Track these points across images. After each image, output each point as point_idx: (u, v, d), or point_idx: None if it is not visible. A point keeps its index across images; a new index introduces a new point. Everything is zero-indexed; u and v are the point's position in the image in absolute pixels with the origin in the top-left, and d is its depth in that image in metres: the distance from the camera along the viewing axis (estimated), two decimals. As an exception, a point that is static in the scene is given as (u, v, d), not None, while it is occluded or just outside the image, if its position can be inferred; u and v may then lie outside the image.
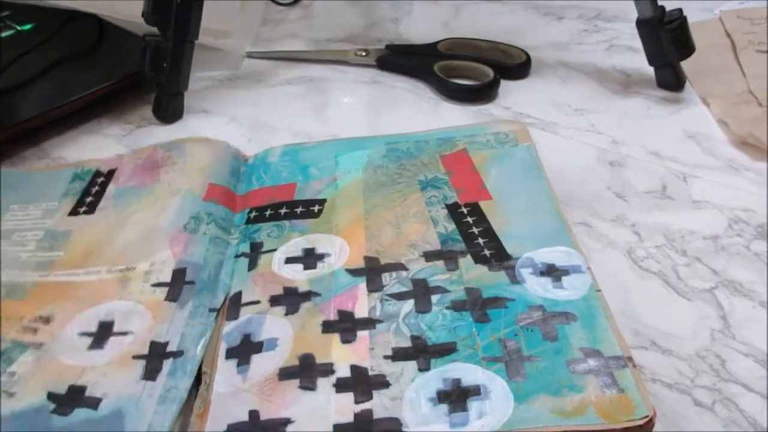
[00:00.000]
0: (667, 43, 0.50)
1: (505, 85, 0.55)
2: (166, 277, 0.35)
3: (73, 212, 0.41)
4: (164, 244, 0.37)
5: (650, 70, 0.54)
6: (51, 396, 0.29)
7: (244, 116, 0.54)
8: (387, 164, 0.42)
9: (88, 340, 0.32)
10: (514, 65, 0.56)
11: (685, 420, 0.31)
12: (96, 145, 0.51)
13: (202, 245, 0.37)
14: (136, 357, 0.31)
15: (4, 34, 0.58)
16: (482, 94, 0.54)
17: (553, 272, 0.33)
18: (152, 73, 0.50)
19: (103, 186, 0.42)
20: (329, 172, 0.42)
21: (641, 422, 0.26)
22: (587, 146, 0.48)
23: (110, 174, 0.43)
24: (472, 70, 0.56)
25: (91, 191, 0.42)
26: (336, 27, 0.66)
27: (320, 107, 0.54)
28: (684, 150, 0.47)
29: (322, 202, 0.39)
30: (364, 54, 0.59)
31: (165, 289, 0.34)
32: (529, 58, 0.56)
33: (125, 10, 0.50)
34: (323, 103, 0.55)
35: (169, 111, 0.53)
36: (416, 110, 0.53)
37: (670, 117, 0.51)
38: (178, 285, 0.34)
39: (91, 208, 0.41)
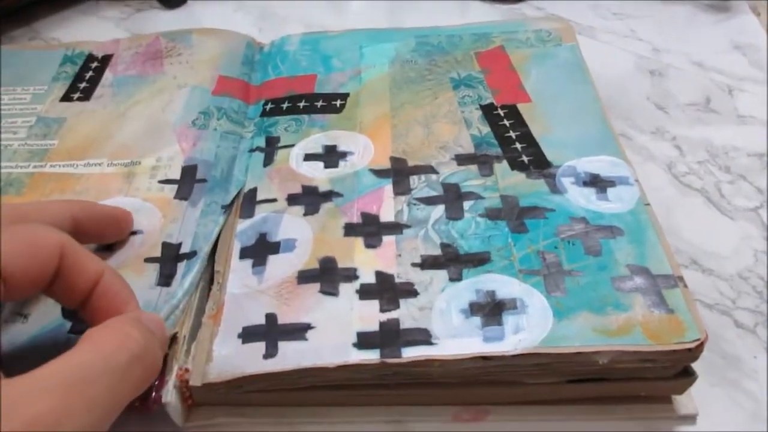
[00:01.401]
0: None
1: None
2: (175, 174, 0.32)
3: (66, 98, 0.37)
4: (172, 139, 0.34)
5: None
6: (65, 313, 0.26)
7: (253, 5, 0.49)
8: (416, 59, 0.38)
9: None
10: None
11: (726, 341, 0.29)
12: (92, 28, 0.47)
13: (213, 141, 0.34)
14: (149, 260, 0.28)
15: None
16: None
17: (597, 183, 0.30)
18: None
19: (98, 72, 0.39)
20: (353, 64, 0.38)
21: (691, 345, 0.24)
22: (626, 53, 0.44)
23: (105, 60, 0.39)
24: None
25: (85, 76, 0.39)
26: None
27: (336, 1, 0.50)
28: (730, 61, 0.44)
29: (344, 97, 0.36)
30: None
31: (174, 187, 0.31)
32: None
33: None
34: None
35: None
36: (442, 9, 0.49)
37: (717, 26, 0.47)
38: (188, 182, 0.32)
39: (87, 95, 0.37)
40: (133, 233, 0.30)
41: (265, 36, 0.45)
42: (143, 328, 0.22)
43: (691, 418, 0.26)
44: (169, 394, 0.24)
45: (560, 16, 0.46)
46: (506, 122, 0.33)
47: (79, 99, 0.37)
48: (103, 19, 0.48)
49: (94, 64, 0.39)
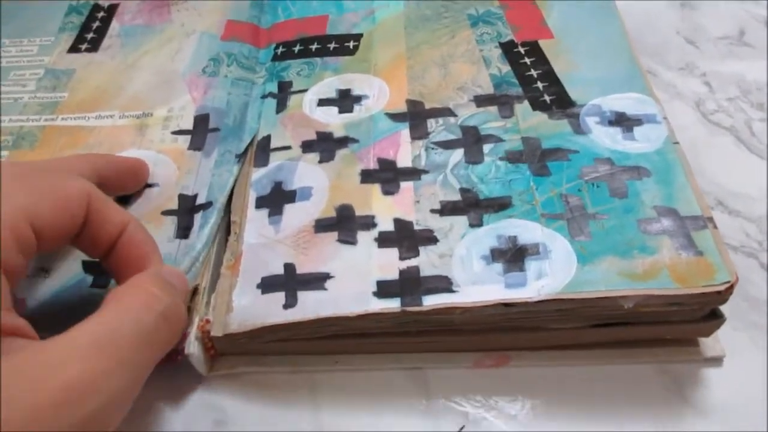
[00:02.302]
0: None
1: None
2: (188, 124, 0.31)
3: (74, 49, 0.36)
4: (183, 89, 0.33)
5: None
6: (86, 267, 0.26)
7: None
8: None
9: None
10: None
11: (751, 284, 0.28)
12: None
13: (224, 89, 0.33)
14: (166, 212, 0.28)
15: None
16: None
17: (623, 121, 0.29)
18: None
19: (105, 22, 0.38)
20: (366, 3, 0.36)
21: (721, 288, 0.23)
22: None
23: (112, 9, 0.38)
24: None
25: (92, 27, 0.37)
26: None
27: None
28: None
29: (358, 38, 0.35)
30: None
31: (187, 137, 0.31)
32: None
33: None
34: None
35: None
36: None
37: None
38: (201, 132, 0.31)
39: (94, 46, 0.36)
40: (149, 186, 0.29)
41: None
42: (166, 285, 0.22)
43: (717, 360, 0.26)
44: (192, 346, 0.24)
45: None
46: (527, 60, 0.32)
47: (87, 50, 0.36)
48: None
49: (101, 14, 0.38)
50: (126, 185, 0.28)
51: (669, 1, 0.41)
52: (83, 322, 0.19)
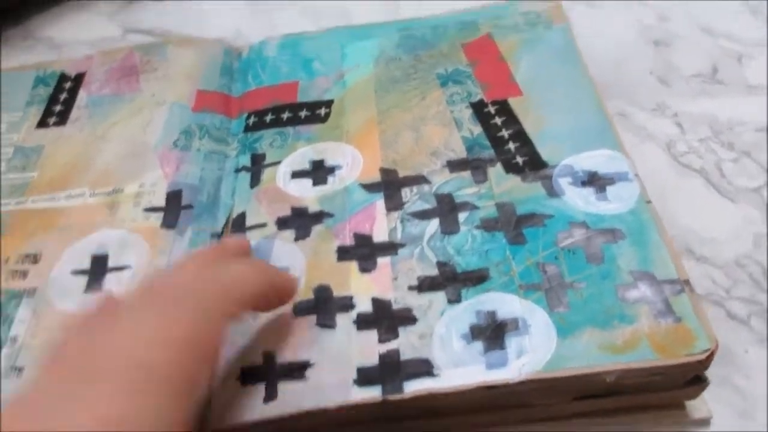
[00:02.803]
0: None
1: None
2: (160, 201, 0.31)
3: (42, 123, 0.36)
4: (154, 163, 0.33)
5: None
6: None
7: None
8: (401, 55, 0.36)
9: (84, 280, 0.29)
10: None
11: (717, 334, 0.28)
12: (85, 24, 0.47)
13: (197, 164, 0.33)
14: None
15: None
16: None
17: (596, 181, 0.29)
18: None
19: (72, 93, 0.37)
20: (335, 66, 0.36)
21: (702, 357, 0.23)
22: (630, 22, 0.42)
23: (79, 78, 0.38)
24: None
25: (59, 98, 0.37)
26: None
27: None
28: (743, 25, 0.41)
29: (329, 104, 0.35)
30: None
31: (160, 215, 0.31)
32: None
33: None
34: None
35: None
36: None
37: None
38: (174, 210, 0.31)
39: (62, 119, 0.36)
40: (121, 269, 0.29)
41: (257, 22, 0.44)
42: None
43: (705, 422, 0.26)
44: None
45: None
46: (498, 120, 0.32)
47: (56, 124, 0.36)
48: (95, 14, 0.48)
49: (68, 84, 0.38)
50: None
51: (644, 39, 0.41)
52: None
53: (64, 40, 0.46)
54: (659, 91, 0.38)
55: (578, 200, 0.28)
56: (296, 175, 0.31)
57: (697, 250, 0.31)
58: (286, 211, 0.30)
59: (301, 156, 0.32)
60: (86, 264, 0.29)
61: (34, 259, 0.30)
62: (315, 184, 0.31)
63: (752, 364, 0.27)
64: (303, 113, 0.34)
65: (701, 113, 0.37)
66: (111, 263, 0.29)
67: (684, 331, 0.24)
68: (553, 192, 0.29)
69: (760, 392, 0.26)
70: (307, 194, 0.31)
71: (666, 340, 0.23)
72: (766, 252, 0.30)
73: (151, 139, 0.34)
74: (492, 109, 0.33)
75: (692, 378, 0.24)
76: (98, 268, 0.29)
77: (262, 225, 0.30)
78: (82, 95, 0.37)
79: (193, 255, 0.26)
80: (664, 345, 0.23)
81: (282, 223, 0.29)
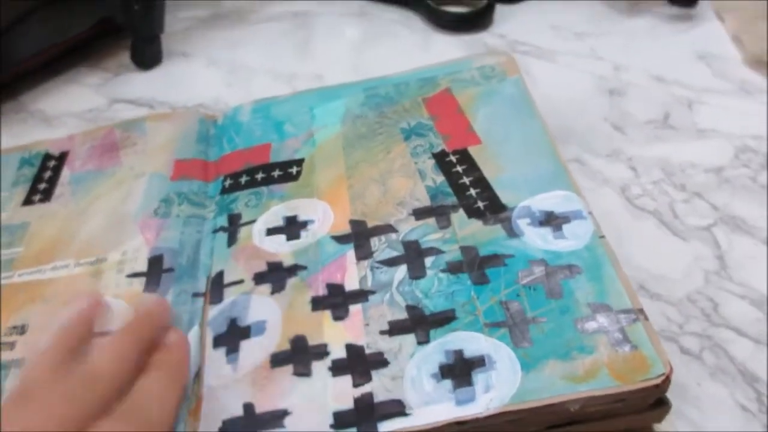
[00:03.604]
0: None
1: (501, 10, 0.51)
2: (142, 267, 0.32)
3: (27, 201, 0.38)
4: (135, 231, 0.34)
5: None
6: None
7: (224, 58, 0.51)
8: (366, 113, 0.39)
9: (69, 348, 0.30)
10: None
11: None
12: (74, 96, 0.49)
13: (177, 228, 0.34)
14: None
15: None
16: (475, 22, 0.50)
17: (552, 221, 0.31)
18: (125, 16, 0.48)
19: (56, 171, 0.39)
20: (305, 127, 0.39)
21: (658, 381, 0.24)
22: (586, 74, 0.45)
23: (62, 157, 0.40)
24: None
25: (44, 177, 0.39)
26: None
27: (303, 45, 0.51)
28: (692, 73, 0.43)
29: (300, 163, 0.37)
30: None
31: (142, 280, 0.32)
32: None
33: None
34: (306, 41, 0.52)
35: (146, 56, 0.50)
36: (405, 43, 0.50)
37: (680, 36, 0.47)
38: (155, 274, 0.32)
39: (47, 196, 0.38)
40: (106, 333, 0.30)
41: (234, 90, 0.47)
42: None
43: (672, 445, 0.27)
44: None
45: (501, 51, 0.46)
46: (459, 168, 0.34)
47: (41, 201, 0.38)
48: (83, 86, 0.50)
49: (52, 163, 0.40)
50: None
51: (599, 90, 0.43)
52: None
53: (54, 113, 0.48)
54: (614, 138, 0.40)
55: (537, 239, 0.30)
56: (271, 231, 0.33)
57: (651, 288, 0.32)
58: (262, 267, 0.31)
59: (275, 214, 0.34)
60: (72, 330, 0.30)
61: (22, 330, 0.31)
62: (289, 239, 0.32)
63: (705, 397, 0.28)
64: (276, 173, 0.36)
65: (654, 157, 0.38)
66: (96, 329, 0.30)
67: (640, 357, 0.25)
68: (512, 233, 0.30)
69: (713, 424, 0.27)
70: (281, 249, 0.32)
71: (624, 368, 0.25)
72: (715, 288, 0.32)
73: (131, 208, 0.36)
74: (453, 159, 0.35)
75: (655, 401, 0.26)
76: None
77: (240, 281, 0.31)
78: (65, 173, 0.39)
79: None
80: (622, 372, 0.25)
81: (258, 278, 0.31)
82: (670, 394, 0.26)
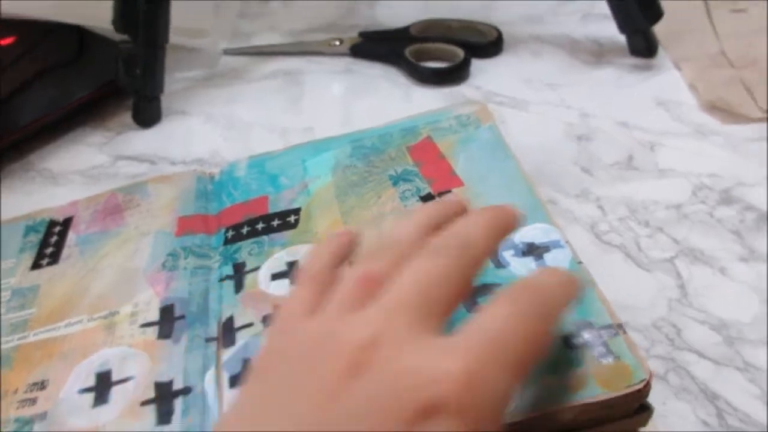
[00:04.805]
0: (634, 9, 0.50)
1: (477, 65, 0.55)
2: (154, 317, 0.34)
3: (36, 266, 0.39)
4: (145, 284, 0.36)
5: (624, 38, 0.53)
6: None
7: (221, 115, 0.54)
8: (355, 163, 0.42)
9: (91, 396, 0.31)
10: (485, 43, 0.56)
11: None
12: (79, 155, 0.52)
13: (185, 279, 0.36)
14: (145, 403, 0.30)
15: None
16: (453, 76, 0.54)
17: (534, 251, 0.34)
18: (127, 80, 0.51)
19: (62, 235, 0.41)
20: (299, 178, 0.41)
21: (640, 386, 0.27)
22: (556, 122, 0.48)
23: (67, 222, 0.42)
24: (443, 51, 0.56)
25: (50, 242, 0.41)
26: (314, 16, 0.65)
27: (295, 100, 0.55)
28: (653, 118, 0.47)
29: (297, 211, 0.39)
30: (338, 43, 0.59)
31: (155, 328, 0.34)
32: (500, 35, 0.56)
33: (105, 18, 0.51)
34: (298, 96, 0.55)
35: (147, 115, 0.53)
36: (388, 97, 0.54)
37: (641, 85, 0.50)
38: (168, 321, 0.34)
39: (54, 259, 0.39)
40: (125, 380, 0.32)
41: (230, 144, 0.50)
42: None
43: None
44: None
45: (475, 101, 0.50)
46: (445, 208, 0.37)
47: (49, 264, 0.39)
48: (88, 146, 0.53)
49: (57, 228, 0.42)
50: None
51: (568, 136, 0.47)
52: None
53: (60, 171, 0.50)
54: (583, 180, 0.43)
55: (521, 268, 0.33)
56: (275, 276, 0.35)
57: (620, 316, 0.34)
58: (270, 310, 0.34)
59: (278, 260, 0.36)
60: (91, 382, 0.32)
61: (42, 385, 0.32)
62: (293, 282, 0.35)
63: (670, 414, 0.31)
64: (275, 222, 0.39)
65: (620, 196, 0.42)
66: (114, 377, 0.32)
67: (623, 367, 0.28)
68: (499, 264, 0.33)
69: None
70: (287, 291, 0.34)
71: (610, 377, 0.27)
72: (678, 315, 0.35)
73: (140, 264, 0.38)
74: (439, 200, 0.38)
75: (639, 407, 0.28)
76: (103, 383, 0.32)
77: (250, 325, 0.33)
78: (71, 236, 0.41)
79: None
80: (608, 381, 0.27)
81: (267, 321, 0.33)
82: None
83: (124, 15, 0.48)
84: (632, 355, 0.28)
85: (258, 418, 0.21)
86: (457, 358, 0.20)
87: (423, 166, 0.40)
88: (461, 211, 0.29)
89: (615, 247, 0.38)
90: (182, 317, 0.34)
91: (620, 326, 0.29)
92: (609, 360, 0.28)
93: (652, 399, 0.29)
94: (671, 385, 0.32)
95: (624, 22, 0.51)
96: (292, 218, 0.39)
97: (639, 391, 0.27)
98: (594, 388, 0.27)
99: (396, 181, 0.40)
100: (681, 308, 0.35)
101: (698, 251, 0.38)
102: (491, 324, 0.22)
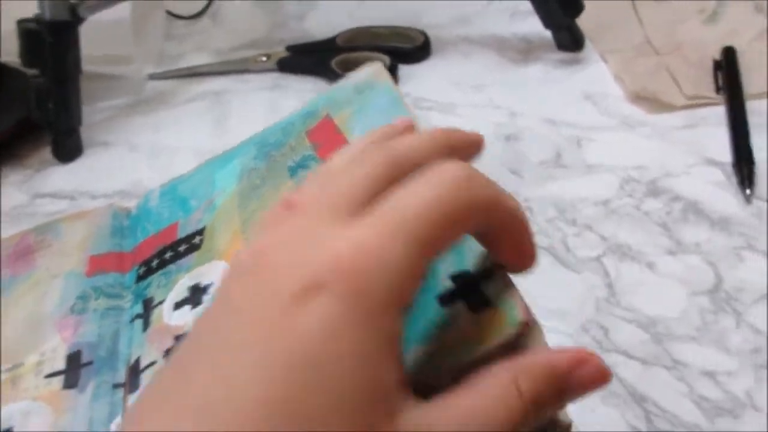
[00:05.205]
0: (554, 5, 0.48)
1: (405, 71, 0.53)
2: (60, 365, 0.33)
3: None
4: (52, 331, 0.35)
5: (551, 34, 0.52)
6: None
7: (145, 143, 0.53)
8: (258, 165, 0.38)
9: (-7, 458, 0.30)
10: (412, 49, 0.55)
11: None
12: None
13: (94, 322, 0.35)
14: None
15: None
16: None
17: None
18: (39, 114, 0.50)
19: None
20: (207, 196, 0.39)
21: (514, 331, 0.22)
22: (485, 123, 0.47)
23: None
24: (369, 60, 0.54)
25: None
26: (241, 33, 0.64)
27: (221, 122, 0.54)
28: (580, 113, 0.46)
29: (201, 231, 0.37)
30: (265, 59, 0.58)
31: (61, 378, 0.32)
32: (427, 39, 0.55)
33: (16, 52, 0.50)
34: (224, 117, 0.54)
35: (66, 150, 0.52)
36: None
37: (569, 80, 0.49)
38: (74, 369, 0.32)
39: None
40: None
41: (156, 172, 0.48)
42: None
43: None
44: None
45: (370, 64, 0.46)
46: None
47: None
48: (6, 185, 0.52)
49: None
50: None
51: (497, 137, 0.45)
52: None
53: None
54: (511, 181, 0.42)
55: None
56: (177, 306, 0.34)
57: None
58: (170, 342, 0.32)
59: (181, 287, 0.34)
60: (-7, 442, 0.30)
61: None
62: (193, 307, 0.33)
63: (598, 421, 0.29)
64: (182, 248, 0.37)
65: (548, 196, 0.40)
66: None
67: (498, 314, 0.23)
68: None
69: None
70: (187, 319, 0.33)
71: (484, 330, 0.23)
72: (606, 315, 0.33)
73: (48, 309, 0.36)
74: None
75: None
76: (5, 442, 0.30)
77: (153, 363, 0.32)
78: None
79: None
80: (483, 335, 0.23)
81: (168, 353, 0.31)
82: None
83: (29, 50, 0.47)
84: (509, 298, 0.24)
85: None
86: (351, 236, 0.19)
87: (320, 147, 0.36)
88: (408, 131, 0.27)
89: (543, 250, 0.37)
90: (90, 363, 0.33)
91: (501, 267, 0.25)
92: (482, 310, 0.23)
93: (582, 407, 0.26)
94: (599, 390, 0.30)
95: (546, 19, 0.50)
96: (197, 239, 0.37)
97: (520, 335, 0.22)
98: (470, 346, 0.22)
99: (294, 171, 0.36)
100: (609, 308, 0.33)
101: (626, 247, 0.36)
102: (402, 201, 0.20)
